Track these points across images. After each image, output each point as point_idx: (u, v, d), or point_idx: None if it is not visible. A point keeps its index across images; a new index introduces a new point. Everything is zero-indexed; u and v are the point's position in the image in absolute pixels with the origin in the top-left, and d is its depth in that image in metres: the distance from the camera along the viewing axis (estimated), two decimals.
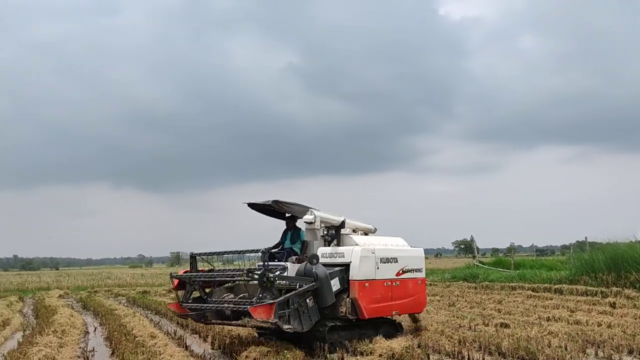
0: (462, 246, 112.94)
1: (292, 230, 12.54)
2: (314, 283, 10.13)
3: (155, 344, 11.16)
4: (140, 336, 12.28)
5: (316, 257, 10.58)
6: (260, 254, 10.37)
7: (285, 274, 10.65)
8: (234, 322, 10.47)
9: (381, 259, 11.18)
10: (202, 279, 11.13)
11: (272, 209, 12.05)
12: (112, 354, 11.22)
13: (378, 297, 10.98)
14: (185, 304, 11.19)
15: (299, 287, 10.04)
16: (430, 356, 9.71)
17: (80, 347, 11.93)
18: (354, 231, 12.78)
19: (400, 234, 12.73)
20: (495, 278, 26.09)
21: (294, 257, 11.51)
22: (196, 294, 11.35)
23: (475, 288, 24.20)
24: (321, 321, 10.51)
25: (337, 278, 10.71)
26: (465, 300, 19.70)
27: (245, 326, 10.54)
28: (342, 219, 12.03)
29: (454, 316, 15.48)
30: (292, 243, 12.17)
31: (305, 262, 10.56)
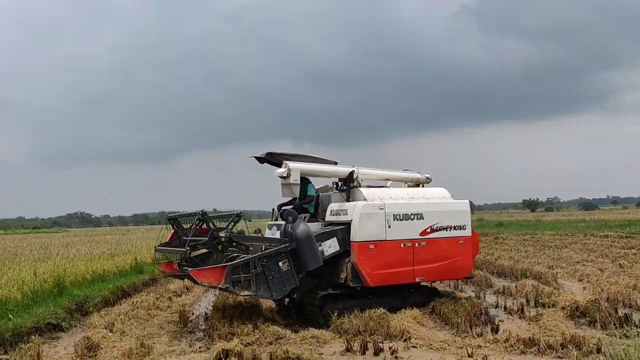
0: None
1: (301, 184, 10.76)
2: (286, 244, 8.93)
3: None
4: None
5: (292, 214, 9.26)
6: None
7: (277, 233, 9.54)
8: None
9: (395, 216, 9.51)
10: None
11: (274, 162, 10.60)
12: None
13: (389, 261, 9.43)
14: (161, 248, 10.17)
15: (265, 249, 9.02)
16: (619, 310, 9.25)
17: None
18: (408, 184, 11.18)
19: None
20: None
21: (304, 215, 10.25)
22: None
23: None
24: (315, 289, 9.50)
25: (334, 238, 9.43)
26: None
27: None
28: (350, 169, 10.22)
29: None
30: (301, 199, 10.67)
31: (284, 224, 9.27)
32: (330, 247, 9.38)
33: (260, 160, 10.64)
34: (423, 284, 10.34)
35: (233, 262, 8.55)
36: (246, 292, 8.59)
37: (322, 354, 7.62)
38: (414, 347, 7.87)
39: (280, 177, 9.78)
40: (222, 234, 9.00)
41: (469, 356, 7.17)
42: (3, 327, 8.70)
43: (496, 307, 10.45)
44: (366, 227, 9.31)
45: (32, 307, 10.16)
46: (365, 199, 9.64)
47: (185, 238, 9.66)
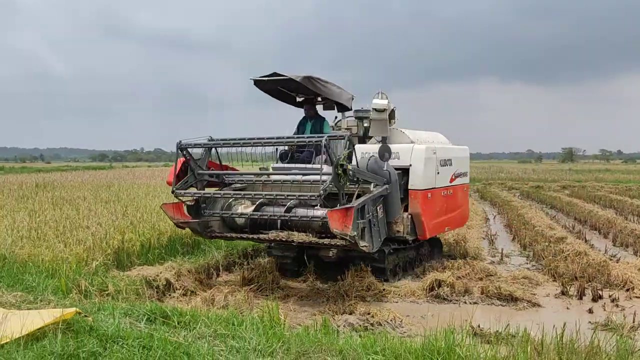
0: None
1: (312, 120, 9.19)
2: (387, 186, 7.53)
3: (554, 235, 11.79)
4: (539, 226, 13.09)
5: (388, 150, 7.76)
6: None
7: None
8: (254, 235, 7.80)
9: (440, 162, 8.73)
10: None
11: (280, 90, 8.93)
12: (513, 239, 12.34)
13: (438, 210, 8.70)
14: (183, 191, 7.82)
15: (373, 190, 7.27)
16: None
17: (483, 231, 13.47)
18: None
19: None
20: None
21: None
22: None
23: None
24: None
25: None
26: None
27: (267, 241, 7.83)
28: (392, 106, 8.95)
29: None
30: None
31: (369, 158, 7.67)
32: None
33: (260, 85, 8.62)
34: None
35: (357, 203, 6.76)
36: (363, 244, 6.86)
37: (535, 294, 7.65)
38: (637, 297, 7.48)
39: (377, 110, 8.39)
40: (348, 164, 6.88)
41: None
42: (243, 243, 10.23)
43: None
44: (426, 174, 8.38)
45: None
46: (413, 142, 8.69)
47: (201, 172, 8.00)
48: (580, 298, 7.47)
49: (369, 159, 7.65)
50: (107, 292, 6.60)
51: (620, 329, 5.83)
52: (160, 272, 7.68)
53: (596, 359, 3.80)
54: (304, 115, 9.29)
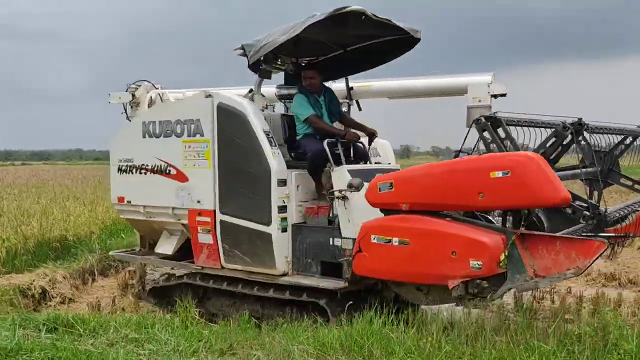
0: None
1: (322, 95, 6.07)
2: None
3: None
4: None
5: None
6: None
7: None
8: None
9: None
10: None
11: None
12: None
13: None
14: None
15: None
16: None
17: None
18: None
19: None
20: None
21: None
22: None
23: None
24: None
25: None
26: None
27: None
28: None
29: None
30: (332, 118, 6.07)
31: None
32: None
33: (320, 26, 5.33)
34: None
35: None
36: None
37: None
38: None
39: (496, 96, 6.08)
40: None
41: None
42: (117, 245, 9.68)
43: None
44: None
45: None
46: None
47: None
48: None
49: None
50: None
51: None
52: (34, 280, 7.10)
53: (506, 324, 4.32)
54: (302, 87, 5.97)
